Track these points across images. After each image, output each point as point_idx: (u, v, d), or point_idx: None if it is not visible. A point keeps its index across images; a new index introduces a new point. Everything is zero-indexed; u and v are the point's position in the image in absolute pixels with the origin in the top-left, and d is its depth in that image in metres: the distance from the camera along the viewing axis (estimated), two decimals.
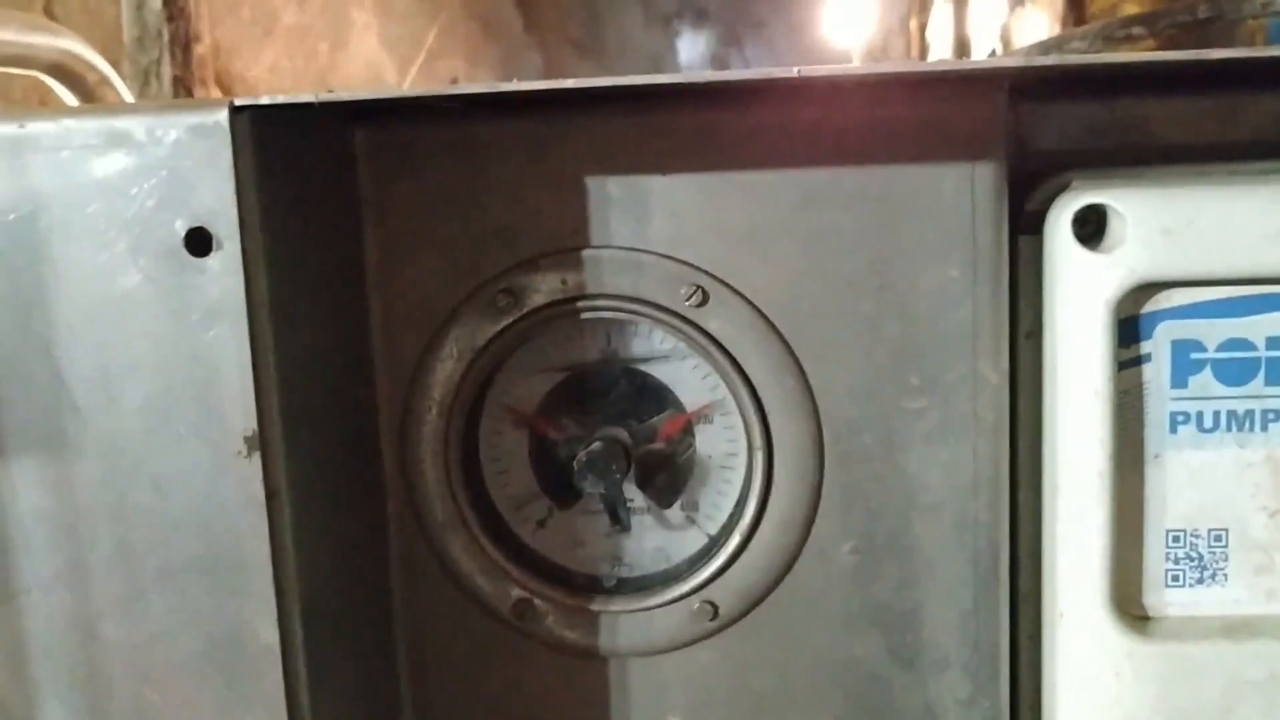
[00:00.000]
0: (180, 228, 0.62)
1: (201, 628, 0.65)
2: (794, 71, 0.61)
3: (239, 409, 0.62)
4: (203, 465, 0.64)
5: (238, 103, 0.62)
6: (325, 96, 0.63)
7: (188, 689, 0.66)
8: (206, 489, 0.63)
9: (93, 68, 1.21)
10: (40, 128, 0.63)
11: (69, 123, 0.63)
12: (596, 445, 0.73)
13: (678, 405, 0.77)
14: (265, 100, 0.63)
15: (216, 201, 0.62)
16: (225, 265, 0.62)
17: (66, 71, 1.18)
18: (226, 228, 0.62)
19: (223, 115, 0.61)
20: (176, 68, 2.30)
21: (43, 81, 1.23)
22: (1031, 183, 0.75)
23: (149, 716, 0.67)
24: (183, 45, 2.26)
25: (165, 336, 0.63)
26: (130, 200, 0.63)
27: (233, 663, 0.65)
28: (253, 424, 0.62)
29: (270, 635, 0.64)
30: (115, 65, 1.38)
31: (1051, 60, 0.66)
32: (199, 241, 0.62)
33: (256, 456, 0.62)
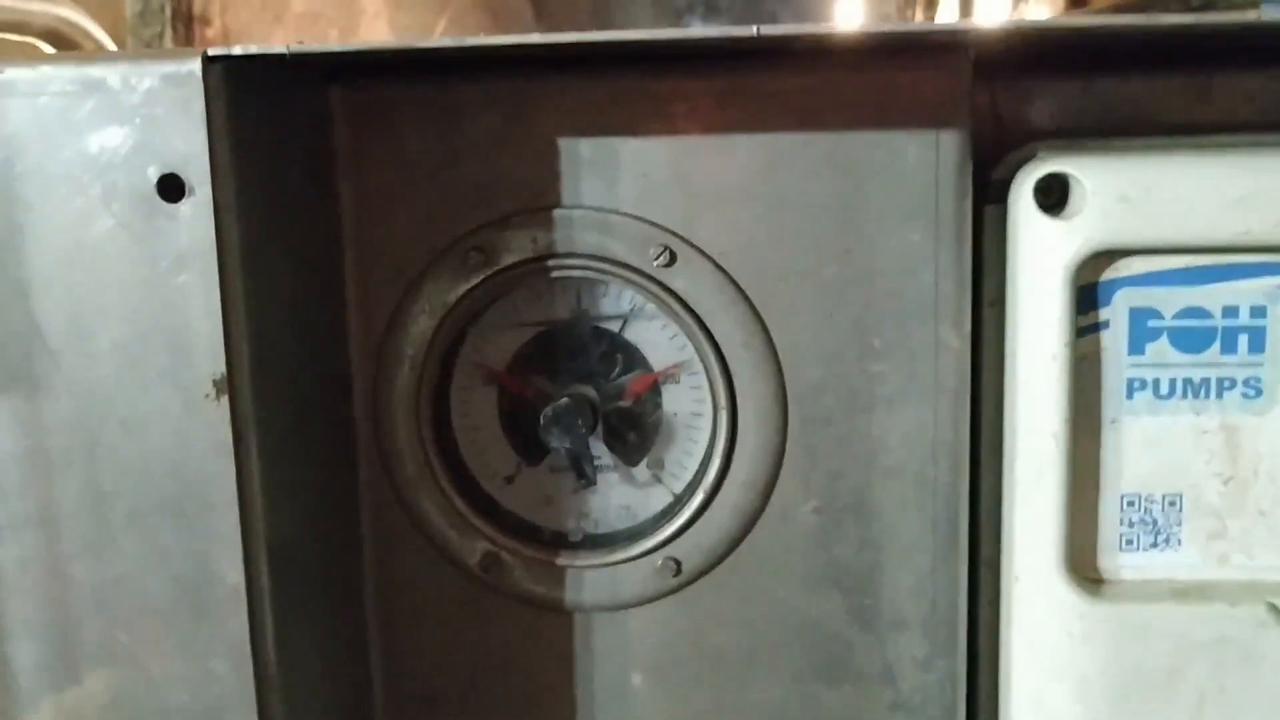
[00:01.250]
0: (153, 174, 0.63)
1: (170, 569, 0.65)
2: (753, 30, 0.62)
3: (208, 353, 0.63)
4: (172, 408, 0.64)
5: (211, 52, 0.63)
6: (296, 48, 0.64)
7: (155, 629, 0.67)
8: (176, 431, 0.64)
9: (89, 35, 1.22)
10: (17, 74, 0.64)
11: (46, 69, 0.64)
12: (563, 401, 0.74)
13: (645, 365, 0.78)
14: (238, 50, 0.64)
15: (188, 149, 0.63)
16: (196, 211, 0.63)
17: (62, 38, 1.20)
18: (198, 174, 0.63)
19: (196, 64, 0.63)
20: (179, 42, 2.31)
21: (40, 49, 1.24)
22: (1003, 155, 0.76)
23: (117, 656, 0.68)
24: (185, 20, 2.28)
25: (137, 281, 0.64)
26: (104, 146, 0.64)
27: (200, 604, 0.65)
28: (221, 368, 0.62)
29: (236, 577, 0.64)
30: (119, 40, 1.40)
31: (1012, 24, 0.67)
32: (171, 188, 0.63)
33: (224, 400, 0.63)
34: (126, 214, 0.64)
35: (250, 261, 0.64)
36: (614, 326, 0.77)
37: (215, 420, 0.63)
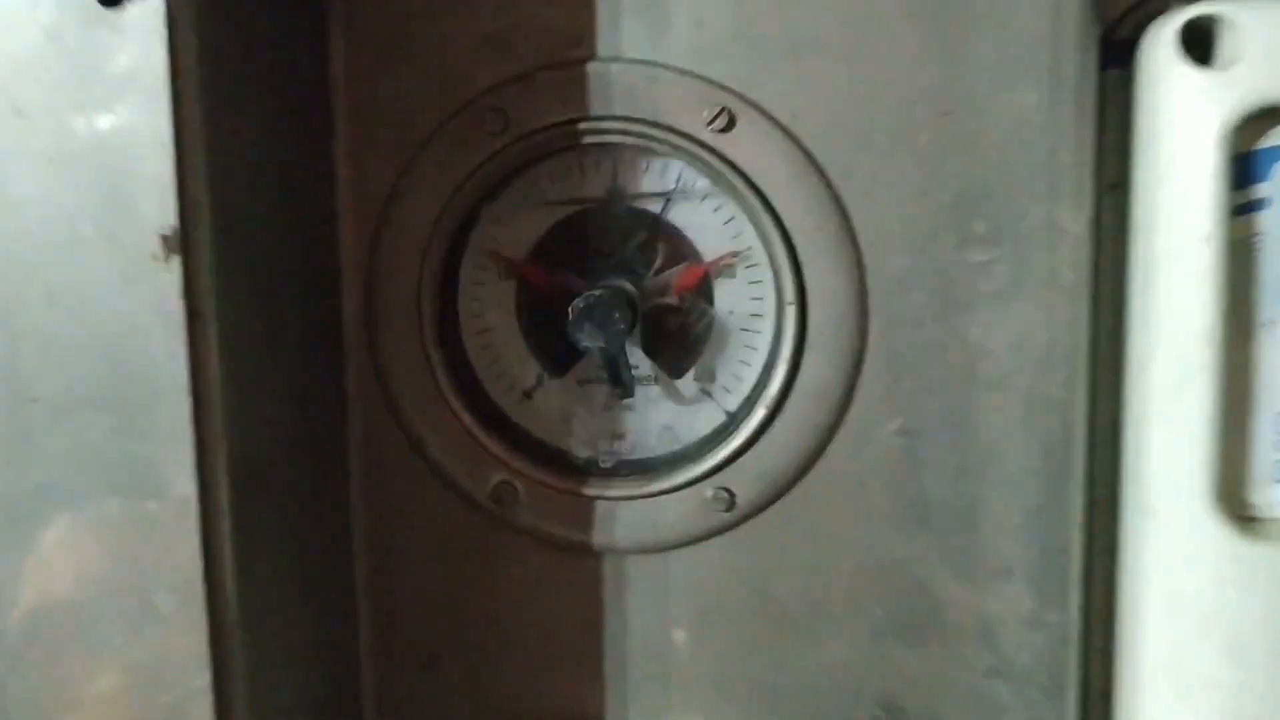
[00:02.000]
0: None
1: (103, 475, 0.54)
2: None
3: (155, 202, 0.51)
4: (109, 273, 0.52)
5: None
6: None
7: (85, 550, 0.55)
8: (113, 303, 0.52)
9: None
10: None
11: None
12: (597, 292, 0.64)
13: (694, 254, 0.68)
14: None
15: None
16: (145, 18, 0.51)
17: None
18: None
19: None
20: None
21: None
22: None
23: (36, 581, 0.55)
24: None
25: (69, 109, 0.52)
26: None
27: (142, 521, 0.54)
28: (172, 221, 0.51)
29: (187, 488, 0.53)
30: None
31: None
32: None
33: (176, 262, 0.52)
34: (57, 23, 0.51)
35: (213, 93, 0.53)
36: (656, 207, 0.67)
37: (163, 288, 0.52)
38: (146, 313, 0.52)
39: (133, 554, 0.55)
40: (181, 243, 0.52)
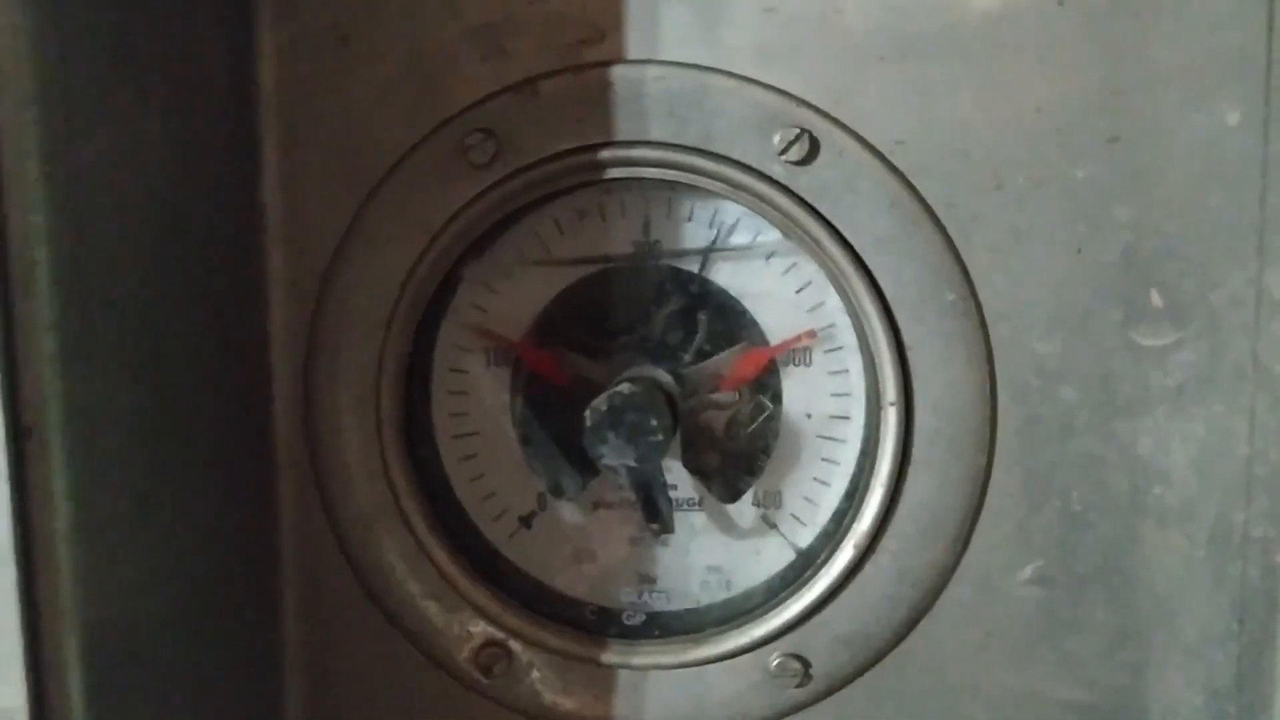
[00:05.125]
0: None
1: None
2: None
3: None
4: None
5: None
6: None
7: None
8: None
9: None
10: None
11: None
12: (624, 388, 0.55)
13: (756, 334, 0.60)
14: None
15: None
16: None
17: None
18: None
19: None
20: None
21: None
22: None
23: None
24: None
25: None
26: None
27: None
28: None
29: (12, 697, 0.41)
30: None
31: None
32: None
33: None
34: None
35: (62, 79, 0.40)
36: (705, 270, 0.59)
37: None
38: None
39: None
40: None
